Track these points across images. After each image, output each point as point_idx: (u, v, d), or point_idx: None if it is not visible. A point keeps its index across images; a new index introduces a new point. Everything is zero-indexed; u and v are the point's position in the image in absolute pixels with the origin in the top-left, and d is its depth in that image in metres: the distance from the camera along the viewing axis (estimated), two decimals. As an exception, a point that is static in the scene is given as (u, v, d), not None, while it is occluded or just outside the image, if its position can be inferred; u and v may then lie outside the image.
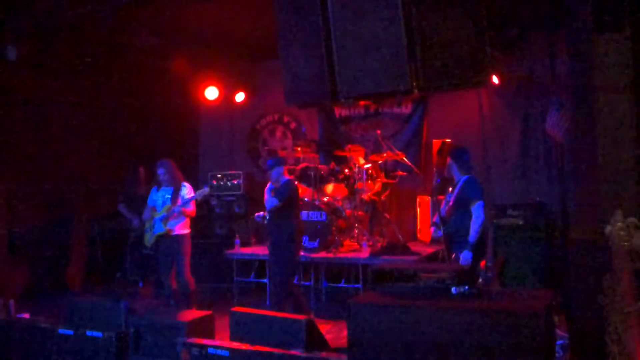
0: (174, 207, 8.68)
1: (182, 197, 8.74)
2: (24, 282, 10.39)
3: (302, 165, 11.14)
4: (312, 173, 10.78)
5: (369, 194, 10.75)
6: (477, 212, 6.93)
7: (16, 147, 10.66)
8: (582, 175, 6.49)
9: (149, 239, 9.01)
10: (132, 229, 10.95)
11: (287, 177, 8.73)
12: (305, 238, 10.12)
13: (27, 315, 7.80)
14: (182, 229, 8.81)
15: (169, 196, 8.82)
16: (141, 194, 10.33)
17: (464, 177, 7.19)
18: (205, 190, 8.90)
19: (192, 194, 8.80)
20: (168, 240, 8.79)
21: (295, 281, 8.98)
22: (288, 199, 8.47)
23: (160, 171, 8.89)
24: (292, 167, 11.16)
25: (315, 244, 10.23)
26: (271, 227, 8.71)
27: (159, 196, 8.96)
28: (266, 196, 8.77)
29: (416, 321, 5.24)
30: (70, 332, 6.83)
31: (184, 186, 8.88)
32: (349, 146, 11.06)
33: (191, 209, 8.83)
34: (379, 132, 11.40)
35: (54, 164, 11.10)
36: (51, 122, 11.23)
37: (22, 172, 10.70)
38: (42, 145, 11.03)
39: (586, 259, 5.91)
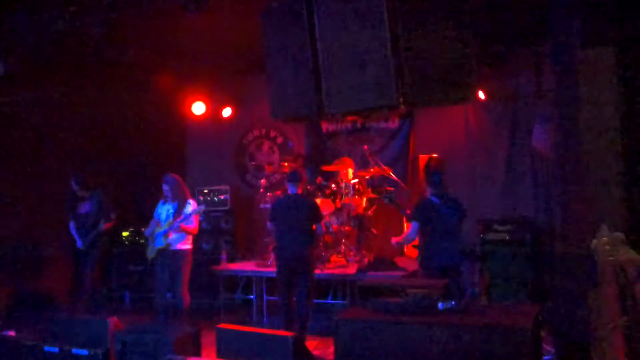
0: (174, 223, 8.70)
1: (184, 213, 8.75)
2: (9, 298, 10.34)
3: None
4: (299, 188, 10.76)
5: (356, 209, 10.74)
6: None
7: (0, 161, 10.61)
8: (568, 190, 6.51)
9: (150, 253, 9.02)
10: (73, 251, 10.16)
11: (292, 192, 8.96)
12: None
13: (12, 333, 7.73)
14: (183, 244, 8.84)
15: (172, 211, 8.85)
16: (82, 210, 9.91)
17: None
18: (202, 207, 8.89)
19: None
20: (167, 255, 8.82)
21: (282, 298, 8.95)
22: (269, 217, 9.05)
23: (164, 187, 8.94)
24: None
25: (302, 259, 10.19)
26: None
27: (164, 210, 9.01)
28: None
29: (403, 337, 5.24)
30: (56, 349, 6.77)
31: (189, 203, 8.88)
32: (343, 159, 11.04)
33: (192, 225, 8.84)
34: (365, 147, 11.41)
35: (38, 178, 11.04)
36: (36, 137, 11.17)
37: (6, 186, 10.64)
38: (25, 159, 10.97)
39: (572, 274, 5.93)
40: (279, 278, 8.80)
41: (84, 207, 9.93)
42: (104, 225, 9.71)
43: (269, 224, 9.29)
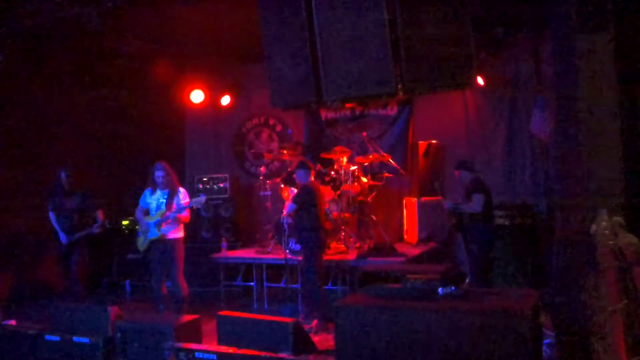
0: (169, 213, 8.61)
1: (178, 203, 8.67)
2: (10, 287, 10.36)
3: (289, 169, 11.15)
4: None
5: (355, 196, 10.74)
6: None
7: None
8: (567, 175, 6.51)
9: (141, 243, 8.90)
10: (59, 243, 9.55)
11: (307, 181, 9.08)
12: (291, 241, 10.12)
13: (13, 322, 7.75)
14: (176, 233, 8.76)
15: (164, 200, 8.74)
16: (68, 205, 9.50)
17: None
18: (202, 198, 8.72)
19: (187, 200, 8.72)
20: (162, 245, 8.72)
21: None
22: (301, 203, 8.89)
23: (158, 173, 8.77)
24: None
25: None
26: (293, 229, 9.57)
27: (153, 199, 8.85)
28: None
29: (403, 322, 5.25)
30: (57, 338, 6.80)
31: (180, 191, 8.81)
32: (336, 148, 11.02)
33: (185, 215, 8.78)
34: (364, 134, 11.41)
35: (37, 169, 11.03)
36: (35, 127, 11.16)
37: (6, 176, 10.63)
38: (24, 149, 10.97)
39: (572, 258, 5.94)
40: (319, 262, 8.87)
41: (69, 202, 9.53)
42: (96, 230, 9.49)
43: (292, 206, 9.07)
